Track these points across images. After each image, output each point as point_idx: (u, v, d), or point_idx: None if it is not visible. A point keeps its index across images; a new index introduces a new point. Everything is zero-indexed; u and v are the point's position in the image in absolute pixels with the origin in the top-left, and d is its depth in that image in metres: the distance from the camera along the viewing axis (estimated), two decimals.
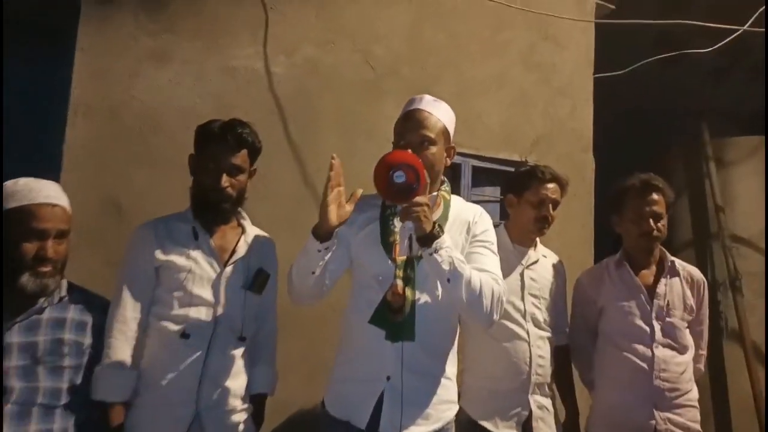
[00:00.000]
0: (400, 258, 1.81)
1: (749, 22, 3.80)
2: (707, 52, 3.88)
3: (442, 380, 1.91)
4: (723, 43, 3.83)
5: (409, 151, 1.74)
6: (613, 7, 4.08)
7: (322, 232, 1.74)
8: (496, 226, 2.57)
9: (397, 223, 1.85)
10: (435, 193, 1.93)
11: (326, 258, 1.79)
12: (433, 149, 1.87)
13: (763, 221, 4.47)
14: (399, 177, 1.61)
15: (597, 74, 4.00)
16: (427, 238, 1.72)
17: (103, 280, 1.99)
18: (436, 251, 1.72)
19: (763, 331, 4.30)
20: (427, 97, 1.95)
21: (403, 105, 1.98)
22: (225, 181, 2.01)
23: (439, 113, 1.92)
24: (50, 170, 2.56)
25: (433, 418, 1.86)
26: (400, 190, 1.64)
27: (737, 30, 3.80)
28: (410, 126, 1.88)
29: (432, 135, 1.87)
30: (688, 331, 2.54)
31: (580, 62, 3.94)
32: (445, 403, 1.91)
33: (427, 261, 1.75)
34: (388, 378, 1.82)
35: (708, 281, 2.67)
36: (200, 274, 1.99)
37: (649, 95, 4.84)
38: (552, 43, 3.85)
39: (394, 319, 1.78)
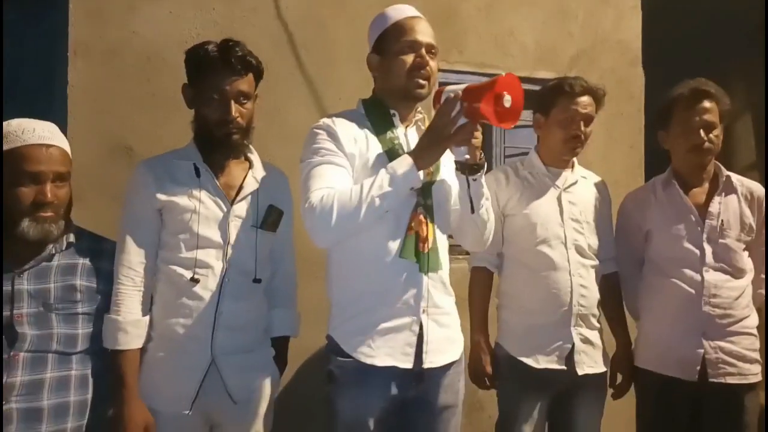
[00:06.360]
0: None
1: None
2: None
3: (452, 310, 1.94)
4: None
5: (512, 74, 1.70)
6: None
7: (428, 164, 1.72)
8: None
9: (402, 139, 1.85)
10: (422, 115, 1.92)
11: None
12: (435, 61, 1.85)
13: None
14: (507, 101, 1.64)
15: None
16: (479, 166, 1.76)
17: (116, 224, 1.92)
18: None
19: None
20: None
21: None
22: (235, 111, 1.85)
23: None
24: (56, 115, 2.50)
25: (456, 342, 1.91)
26: (507, 113, 1.66)
27: None
28: (424, 30, 1.82)
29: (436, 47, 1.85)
30: (746, 253, 2.32)
31: None
32: (457, 329, 1.94)
33: (472, 186, 1.77)
34: (424, 311, 1.78)
35: None
36: (206, 215, 1.87)
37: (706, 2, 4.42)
38: None
39: (423, 249, 1.75)
